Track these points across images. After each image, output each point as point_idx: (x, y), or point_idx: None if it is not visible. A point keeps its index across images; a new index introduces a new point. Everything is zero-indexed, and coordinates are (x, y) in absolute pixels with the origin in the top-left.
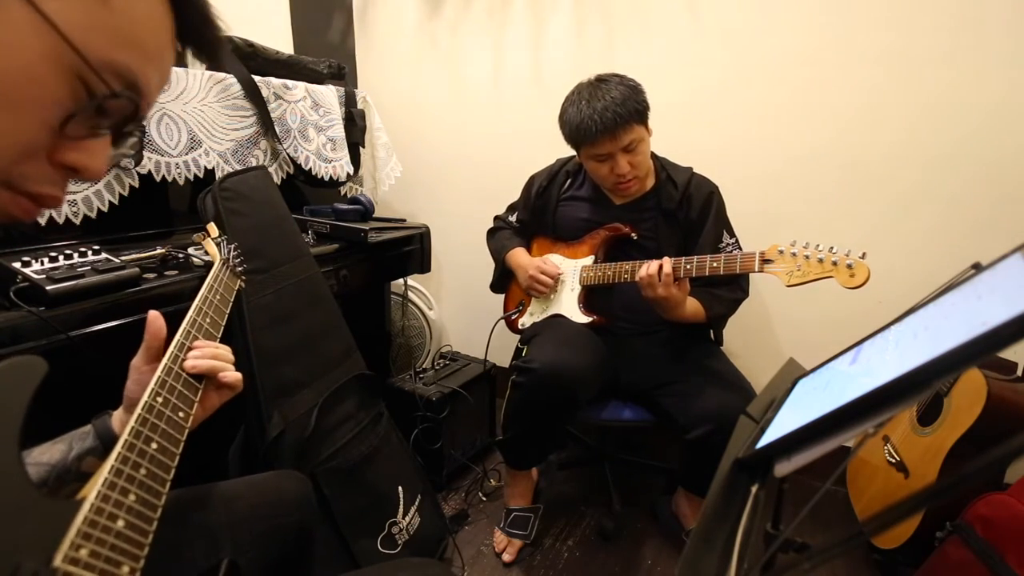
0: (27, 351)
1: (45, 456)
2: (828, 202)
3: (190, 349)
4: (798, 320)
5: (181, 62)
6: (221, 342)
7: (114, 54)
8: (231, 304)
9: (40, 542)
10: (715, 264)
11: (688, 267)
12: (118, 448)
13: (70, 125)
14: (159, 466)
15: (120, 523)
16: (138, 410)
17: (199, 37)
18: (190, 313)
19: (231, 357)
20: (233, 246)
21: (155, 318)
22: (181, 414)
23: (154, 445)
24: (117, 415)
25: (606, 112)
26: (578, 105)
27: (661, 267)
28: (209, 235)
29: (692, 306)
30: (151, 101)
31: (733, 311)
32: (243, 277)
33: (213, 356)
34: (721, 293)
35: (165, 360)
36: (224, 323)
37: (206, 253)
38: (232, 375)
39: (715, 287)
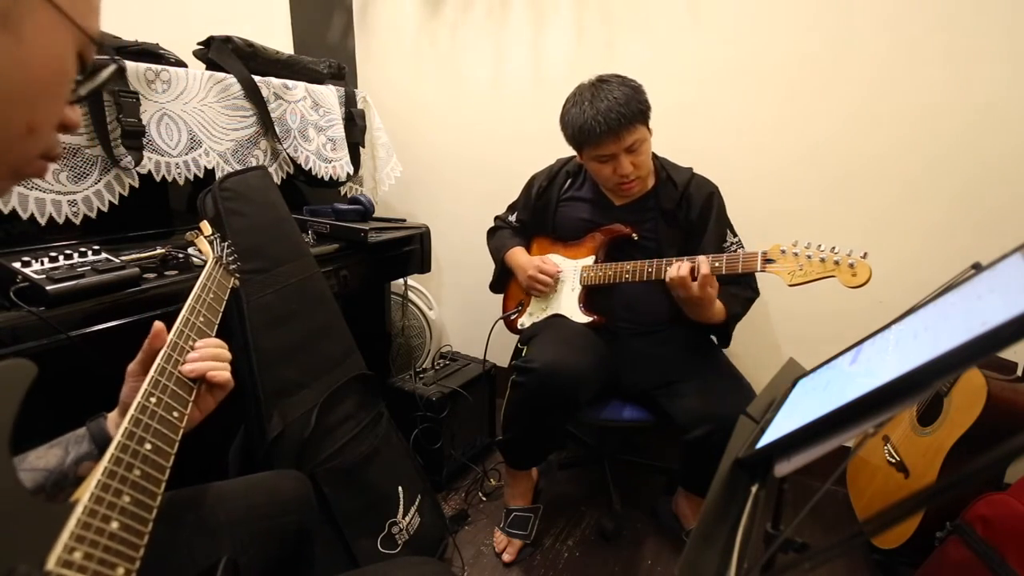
0: (27, 351)
1: (41, 461)
2: (830, 202)
3: (184, 349)
4: (799, 320)
5: (180, 62)
6: None
7: (91, 21)
8: (225, 302)
9: (33, 545)
10: (717, 264)
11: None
12: (111, 450)
13: (70, 92)
14: (153, 466)
15: (114, 524)
16: (131, 411)
17: None
18: (183, 312)
19: (228, 355)
20: (227, 244)
21: (160, 331)
22: (175, 414)
23: (148, 446)
24: (112, 417)
25: (610, 113)
26: (581, 106)
27: (695, 268)
28: (202, 233)
29: (718, 305)
30: None
31: (747, 310)
32: (237, 275)
33: (212, 357)
34: (736, 292)
35: (159, 360)
36: (218, 321)
37: (200, 251)
38: (221, 375)
39: (728, 286)
